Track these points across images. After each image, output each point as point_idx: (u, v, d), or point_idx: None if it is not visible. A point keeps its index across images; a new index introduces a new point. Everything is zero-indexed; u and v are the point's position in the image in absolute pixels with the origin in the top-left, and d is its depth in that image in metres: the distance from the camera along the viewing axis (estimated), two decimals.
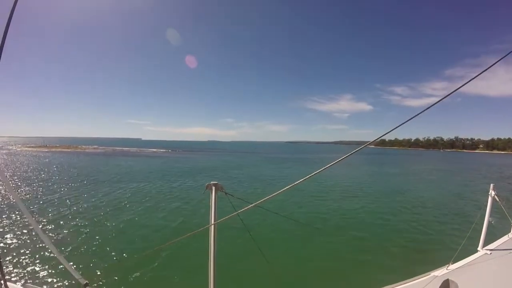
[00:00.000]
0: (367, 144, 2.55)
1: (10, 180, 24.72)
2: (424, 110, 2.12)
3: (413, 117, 2.16)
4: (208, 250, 2.92)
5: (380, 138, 2.64)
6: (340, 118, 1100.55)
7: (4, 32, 1.78)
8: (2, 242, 10.72)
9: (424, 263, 7.21)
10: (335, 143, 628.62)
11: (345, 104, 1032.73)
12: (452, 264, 3.59)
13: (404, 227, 13.66)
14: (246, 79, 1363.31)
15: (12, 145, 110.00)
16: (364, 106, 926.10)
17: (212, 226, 3.08)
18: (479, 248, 4.03)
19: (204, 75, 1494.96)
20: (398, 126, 2.16)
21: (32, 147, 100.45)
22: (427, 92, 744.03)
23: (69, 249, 10.28)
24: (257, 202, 2.73)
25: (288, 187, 2.51)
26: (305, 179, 2.40)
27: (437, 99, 2.08)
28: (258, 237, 10.71)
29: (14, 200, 16.41)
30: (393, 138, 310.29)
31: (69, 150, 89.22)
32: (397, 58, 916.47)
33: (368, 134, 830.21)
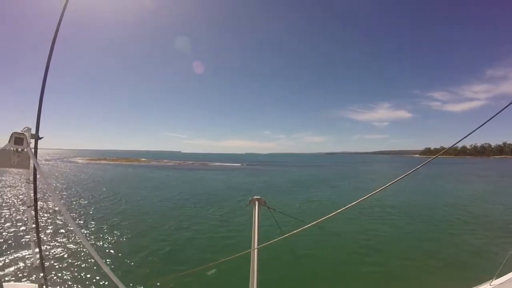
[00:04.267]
0: (439, 155, 2.66)
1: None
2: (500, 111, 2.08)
3: (488, 120, 2.09)
4: (250, 276, 2.67)
5: (454, 145, 2.68)
6: (379, 127, 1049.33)
7: (52, 42, 1.87)
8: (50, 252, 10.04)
9: (466, 279, 7.11)
10: (375, 153, 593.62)
11: (384, 113, 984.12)
12: (495, 279, 3.24)
13: (443, 240, 12.61)
14: (281, 91, 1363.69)
15: (76, 158, 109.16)
16: (403, 114, 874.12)
17: (255, 251, 2.81)
18: None
19: (237, 88, 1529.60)
20: (473, 131, 2.08)
21: (94, 159, 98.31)
22: (468, 96, 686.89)
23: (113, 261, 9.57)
24: (311, 224, 2.41)
25: (347, 206, 2.25)
26: (367, 196, 2.20)
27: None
28: (309, 263, 9.19)
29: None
30: (438, 147, 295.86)
31: (134, 163, 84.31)
32: (433, 62, 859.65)
33: (409, 143, 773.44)
